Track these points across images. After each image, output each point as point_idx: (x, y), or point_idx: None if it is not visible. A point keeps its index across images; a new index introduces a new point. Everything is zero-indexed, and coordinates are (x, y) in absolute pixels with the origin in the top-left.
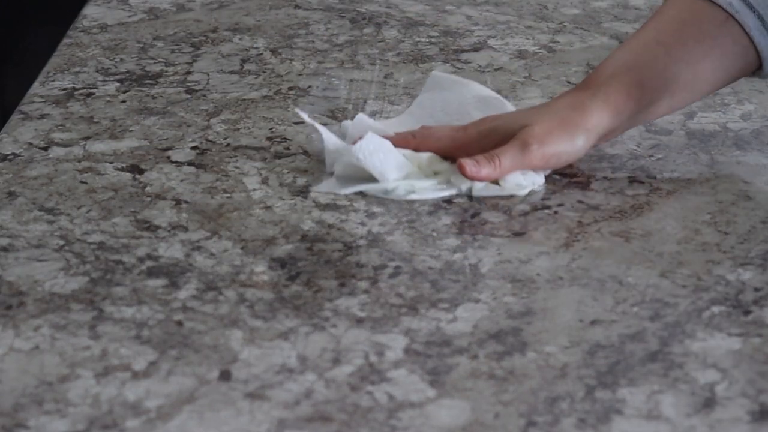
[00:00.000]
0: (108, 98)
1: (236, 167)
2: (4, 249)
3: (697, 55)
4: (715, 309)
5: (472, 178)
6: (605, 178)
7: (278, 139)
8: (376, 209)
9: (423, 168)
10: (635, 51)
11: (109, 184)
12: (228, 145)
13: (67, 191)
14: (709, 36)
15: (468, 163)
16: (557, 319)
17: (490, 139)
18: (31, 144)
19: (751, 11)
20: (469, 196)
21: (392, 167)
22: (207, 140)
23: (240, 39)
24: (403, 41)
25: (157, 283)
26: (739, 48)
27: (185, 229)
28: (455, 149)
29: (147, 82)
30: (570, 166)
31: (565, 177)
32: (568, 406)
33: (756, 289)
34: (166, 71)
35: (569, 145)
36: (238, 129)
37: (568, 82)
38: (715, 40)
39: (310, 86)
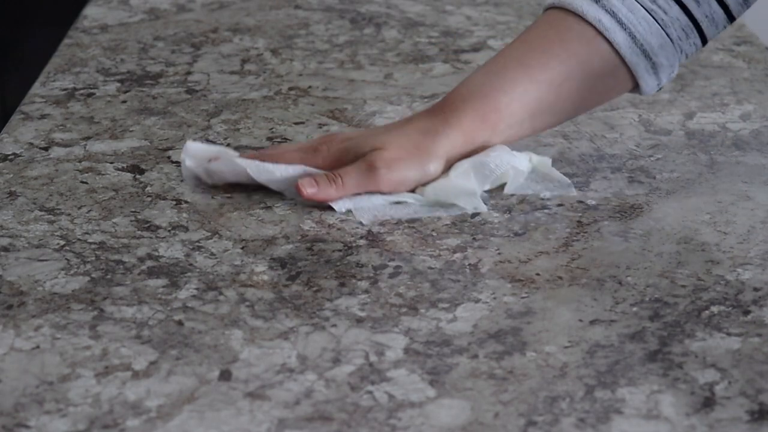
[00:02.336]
0: (108, 98)
1: None
2: (5, 249)
3: (560, 77)
4: (715, 309)
5: (309, 199)
6: (605, 178)
7: (278, 139)
8: None
9: None
10: (495, 73)
11: (110, 184)
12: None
13: (68, 191)
14: (575, 55)
15: (305, 184)
16: (557, 319)
17: (341, 161)
18: (31, 144)
19: (621, 28)
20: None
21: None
22: (207, 140)
23: (240, 39)
24: (403, 41)
25: (157, 283)
26: (609, 67)
27: (185, 229)
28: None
29: (147, 82)
30: (570, 166)
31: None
32: (568, 405)
33: (755, 289)
34: (167, 71)
35: (419, 172)
36: (239, 129)
37: None
38: (581, 59)
39: (310, 86)
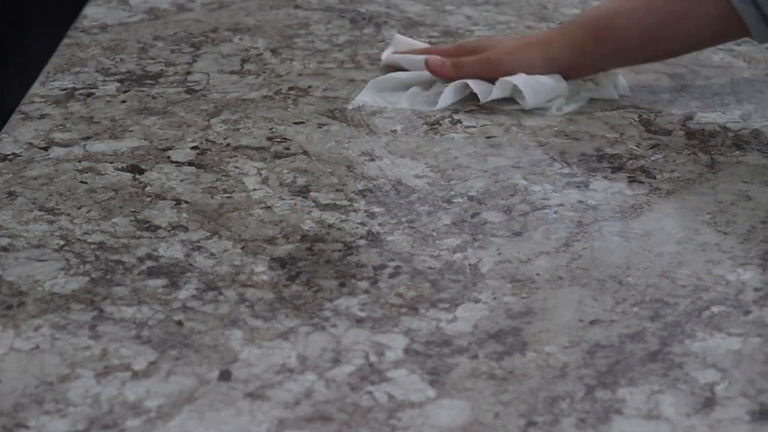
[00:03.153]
0: (108, 98)
1: (236, 167)
2: (5, 249)
3: (679, 12)
4: (715, 309)
5: (434, 73)
6: (605, 178)
7: (278, 139)
8: (376, 209)
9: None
10: (617, 1)
11: (110, 184)
12: (228, 145)
13: (68, 191)
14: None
15: (434, 63)
16: (557, 319)
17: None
18: (31, 144)
19: None
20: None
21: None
22: (207, 140)
23: (240, 39)
24: None
25: (157, 283)
26: (720, 11)
27: (185, 229)
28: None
29: (147, 82)
30: (570, 166)
31: (565, 177)
32: (568, 406)
33: (756, 289)
34: (167, 71)
35: (525, 68)
36: (238, 129)
37: None
38: (697, 1)
39: (310, 86)
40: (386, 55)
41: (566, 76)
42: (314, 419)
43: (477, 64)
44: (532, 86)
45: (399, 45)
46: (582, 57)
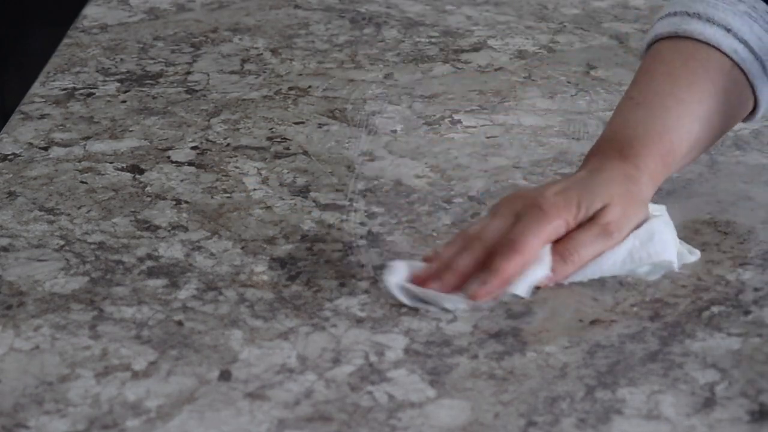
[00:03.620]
0: (108, 98)
1: (236, 167)
2: (5, 249)
3: (712, 110)
4: (715, 309)
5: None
6: None
7: (278, 139)
8: (376, 209)
9: None
10: (658, 110)
11: (110, 184)
12: (228, 145)
13: (68, 191)
14: (719, 86)
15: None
16: (557, 319)
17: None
18: (31, 144)
19: (755, 59)
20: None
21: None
22: (207, 140)
23: (240, 39)
24: (403, 41)
25: (157, 283)
26: (744, 97)
27: (185, 229)
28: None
29: (147, 82)
30: (570, 166)
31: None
32: (568, 406)
33: (756, 289)
34: (167, 71)
35: (641, 220)
36: (238, 129)
37: (568, 82)
38: (725, 90)
39: (310, 86)
40: (394, 285)
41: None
42: (314, 419)
43: (594, 245)
44: (665, 247)
45: (399, 271)
46: (656, 186)
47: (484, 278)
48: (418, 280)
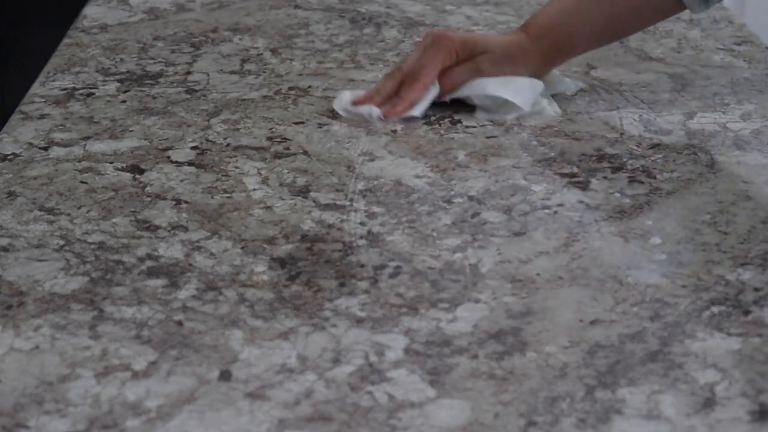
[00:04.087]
0: (108, 98)
1: (236, 167)
2: (5, 249)
3: (630, 9)
4: (715, 309)
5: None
6: (605, 178)
7: (278, 139)
8: (376, 209)
9: None
10: (567, 5)
11: (109, 184)
12: (228, 145)
13: (68, 191)
14: None
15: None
16: (557, 319)
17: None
18: (31, 144)
19: None
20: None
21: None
22: (207, 140)
23: (240, 39)
24: (403, 41)
25: (157, 283)
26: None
27: (185, 229)
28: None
29: (147, 82)
30: (570, 166)
31: (565, 177)
32: (568, 406)
33: (756, 289)
34: (166, 71)
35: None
36: (238, 129)
37: None
38: None
39: (310, 86)
40: (339, 106)
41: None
42: (314, 419)
43: (461, 74)
44: (518, 91)
45: (345, 96)
46: (548, 66)
47: (394, 102)
48: (358, 101)
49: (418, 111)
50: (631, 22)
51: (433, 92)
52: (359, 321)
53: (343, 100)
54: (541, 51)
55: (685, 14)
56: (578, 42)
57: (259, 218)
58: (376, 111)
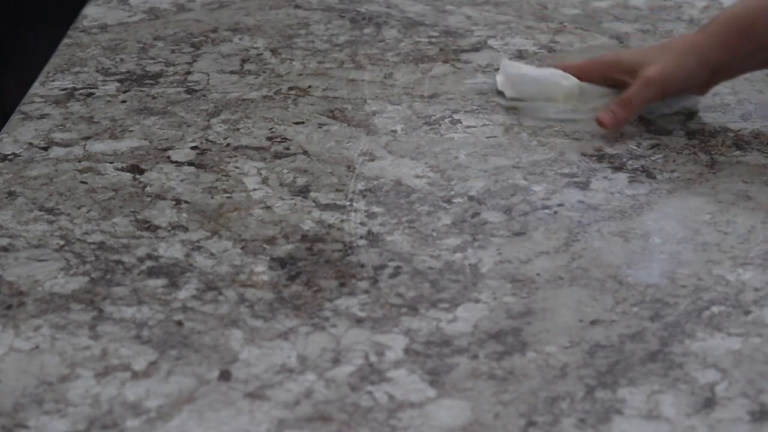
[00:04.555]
0: (108, 98)
1: (236, 167)
2: (5, 249)
3: None
4: (715, 309)
5: (607, 126)
6: (605, 178)
7: (278, 139)
8: (376, 209)
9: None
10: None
11: (109, 184)
12: (228, 145)
13: (67, 191)
14: None
15: (606, 118)
16: (557, 319)
17: (612, 68)
18: (31, 144)
19: None
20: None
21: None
22: (207, 140)
23: (240, 39)
24: (403, 41)
25: (157, 283)
26: None
27: (185, 229)
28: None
29: (147, 82)
30: (570, 166)
31: (565, 177)
32: (568, 406)
33: (756, 289)
34: (166, 71)
35: (687, 79)
36: (238, 129)
37: None
38: None
39: (310, 86)
40: (502, 84)
41: (715, 77)
42: (314, 419)
43: (642, 92)
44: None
45: (509, 70)
46: (730, 54)
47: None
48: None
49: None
50: None
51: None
52: (359, 321)
53: (512, 71)
54: (722, 40)
55: (685, 14)
56: (763, 29)
57: (259, 218)
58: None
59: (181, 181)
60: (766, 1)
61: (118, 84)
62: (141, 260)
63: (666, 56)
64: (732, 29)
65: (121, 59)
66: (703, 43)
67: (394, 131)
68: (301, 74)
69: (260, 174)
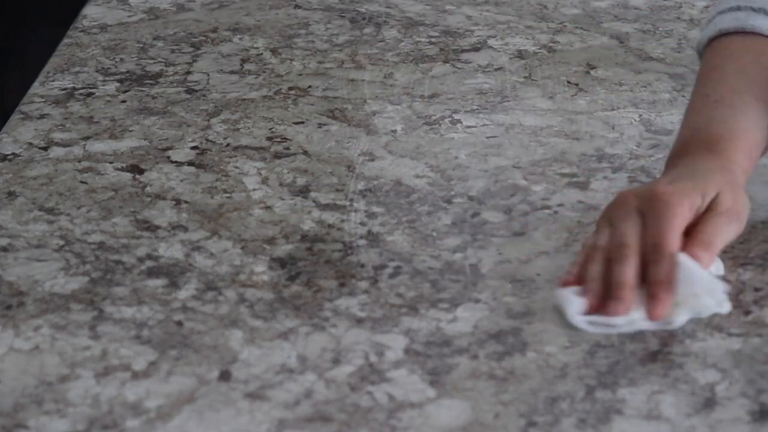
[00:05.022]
0: (108, 98)
1: (236, 167)
2: (4, 249)
3: None
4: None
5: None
6: (605, 178)
7: (278, 139)
8: (376, 209)
9: None
10: (739, 109)
11: (109, 184)
12: (228, 145)
13: (67, 191)
14: None
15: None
16: (557, 319)
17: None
18: (31, 144)
19: None
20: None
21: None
22: (207, 140)
23: (240, 39)
24: (403, 41)
25: (157, 283)
26: None
27: (185, 229)
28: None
29: (147, 82)
30: (570, 166)
31: (565, 177)
32: (568, 406)
33: (756, 289)
34: (166, 71)
35: (748, 208)
36: (238, 129)
37: (568, 82)
38: None
39: (310, 86)
40: (579, 319)
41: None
42: (314, 419)
43: (722, 228)
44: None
45: (574, 303)
46: (744, 177)
47: (655, 293)
48: (594, 308)
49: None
50: None
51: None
52: (359, 321)
53: (575, 307)
54: (740, 165)
55: (685, 14)
56: (761, 146)
57: (259, 218)
58: (642, 321)
59: (181, 181)
60: (751, 116)
61: (118, 84)
62: (141, 260)
63: (731, 186)
64: (743, 154)
65: (121, 59)
66: (735, 173)
67: (394, 131)
68: (301, 74)
69: (260, 174)
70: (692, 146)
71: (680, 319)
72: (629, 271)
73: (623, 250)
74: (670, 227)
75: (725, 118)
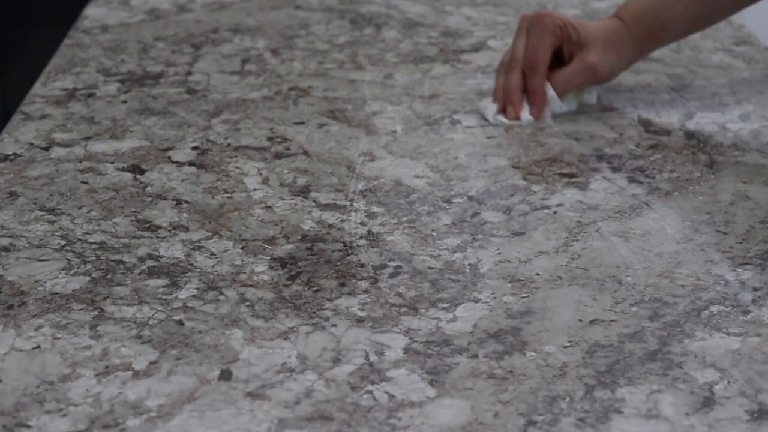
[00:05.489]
0: (109, 98)
1: (237, 167)
2: (6, 249)
3: None
4: (714, 309)
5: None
6: (605, 178)
7: (278, 139)
8: (376, 209)
9: None
10: None
11: (110, 184)
12: (228, 145)
13: (68, 191)
14: None
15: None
16: (557, 319)
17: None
18: (32, 144)
19: None
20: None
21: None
22: (207, 140)
23: (240, 39)
24: (403, 41)
25: (157, 282)
26: None
27: (186, 229)
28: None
29: (148, 82)
30: (570, 165)
31: (565, 177)
32: (568, 405)
33: (755, 289)
34: (167, 72)
35: (614, 75)
36: (239, 129)
37: None
38: None
39: (310, 86)
40: (495, 120)
41: (618, 71)
42: (314, 419)
43: (579, 77)
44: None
45: (490, 107)
46: (642, 54)
47: (532, 102)
48: (501, 109)
49: (548, 114)
50: (724, 5)
51: (550, 93)
52: (359, 321)
53: (491, 109)
54: (637, 38)
55: None
56: (671, 28)
57: (260, 218)
58: (492, 108)
59: (182, 181)
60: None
61: (119, 84)
62: (142, 260)
63: (605, 45)
64: (643, 32)
65: (122, 60)
66: (627, 40)
67: (394, 131)
68: (301, 74)
69: (260, 174)
70: (611, 14)
71: (549, 114)
72: (515, 80)
73: (512, 63)
74: (541, 45)
75: None
